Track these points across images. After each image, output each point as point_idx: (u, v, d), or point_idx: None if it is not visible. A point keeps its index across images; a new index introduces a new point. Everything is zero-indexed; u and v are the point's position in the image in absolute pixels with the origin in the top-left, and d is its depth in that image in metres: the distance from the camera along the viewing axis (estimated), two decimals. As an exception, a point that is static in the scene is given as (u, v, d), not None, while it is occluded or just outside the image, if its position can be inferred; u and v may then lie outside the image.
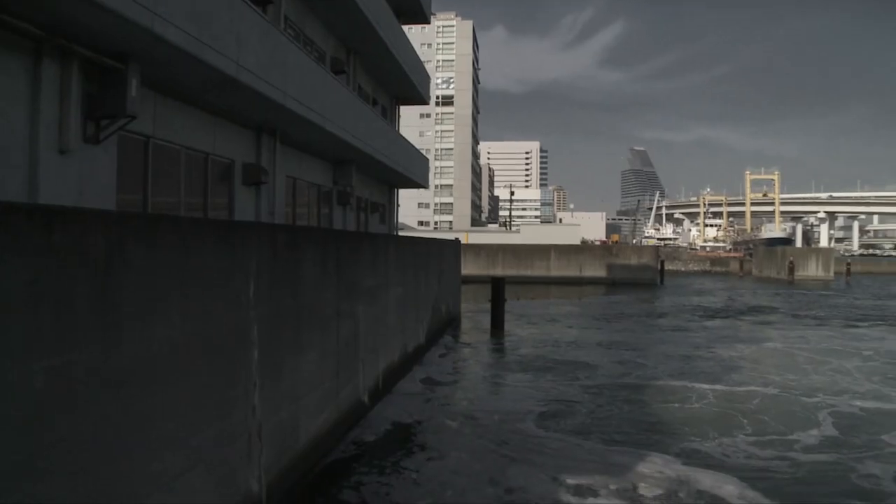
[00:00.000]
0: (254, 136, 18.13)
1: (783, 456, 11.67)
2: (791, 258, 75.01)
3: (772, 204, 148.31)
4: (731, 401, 15.95)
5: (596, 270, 64.03)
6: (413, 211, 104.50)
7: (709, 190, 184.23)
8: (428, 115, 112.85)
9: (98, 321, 4.74)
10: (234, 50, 12.74)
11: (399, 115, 37.53)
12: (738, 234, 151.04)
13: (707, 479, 10.33)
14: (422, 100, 37.51)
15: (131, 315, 5.12)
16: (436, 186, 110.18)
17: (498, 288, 26.74)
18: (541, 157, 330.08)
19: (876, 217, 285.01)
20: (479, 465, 10.79)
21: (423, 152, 40.47)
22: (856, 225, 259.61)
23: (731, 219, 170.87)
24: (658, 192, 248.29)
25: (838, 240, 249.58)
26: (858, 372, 20.21)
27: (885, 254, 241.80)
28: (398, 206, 38.14)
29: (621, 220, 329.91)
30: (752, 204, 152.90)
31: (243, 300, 7.16)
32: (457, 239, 33.16)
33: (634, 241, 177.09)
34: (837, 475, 10.86)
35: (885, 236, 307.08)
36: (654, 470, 10.74)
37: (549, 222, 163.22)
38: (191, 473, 6.02)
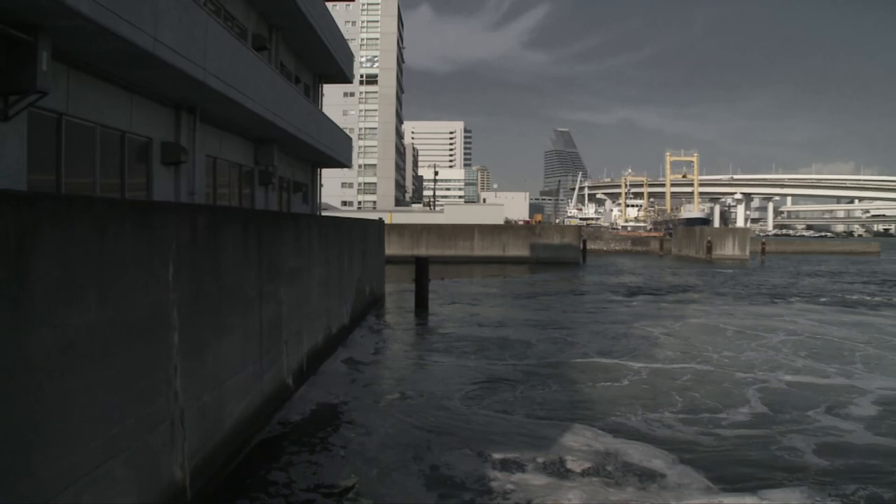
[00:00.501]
0: (173, 114, 17.65)
1: (710, 431, 11.93)
2: (709, 238, 76.85)
3: (691, 185, 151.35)
4: (660, 377, 16.29)
5: (519, 250, 64.54)
6: (337, 191, 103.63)
7: (630, 171, 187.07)
8: (352, 94, 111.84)
9: (10, 307, 4.56)
10: (151, 24, 12.34)
11: (322, 94, 37.09)
12: (658, 215, 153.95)
13: (636, 453, 10.50)
14: (345, 78, 37.10)
15: (45, 300, 4.94)
16: (359, 166, 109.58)
17: (422, 268, 26.76)
18: (465, 137, 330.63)
19: (789, 199, 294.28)
20: (405, 441, 10.86)
21: (347, 132, 40.12)
22: (770, 206, 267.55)
23: (651, 199, 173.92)
24: (581, 173, 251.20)
25: (754, 220, 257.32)
26: (785, 347, 20.88)
27: (798, 234, 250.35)
28: (321, 185, 37.73)
29: (544, 200, 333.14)
30: (672, 185, 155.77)
31: (162, 283, 6.98)
32: (380, 219, 33.02)
33: (557, 221, 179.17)
34: (762, 448, 11.16)
35: (799, 217, 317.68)
36: (583, 444, 10.87)
37: (473, 202, 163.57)
38: (110, 463, 5.85)
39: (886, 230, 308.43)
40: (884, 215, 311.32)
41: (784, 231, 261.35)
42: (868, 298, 37.88)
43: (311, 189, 34.62)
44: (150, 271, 6.74)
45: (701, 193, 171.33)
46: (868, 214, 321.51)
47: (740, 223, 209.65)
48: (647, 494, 9.10)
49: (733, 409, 13.55)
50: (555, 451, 10.49)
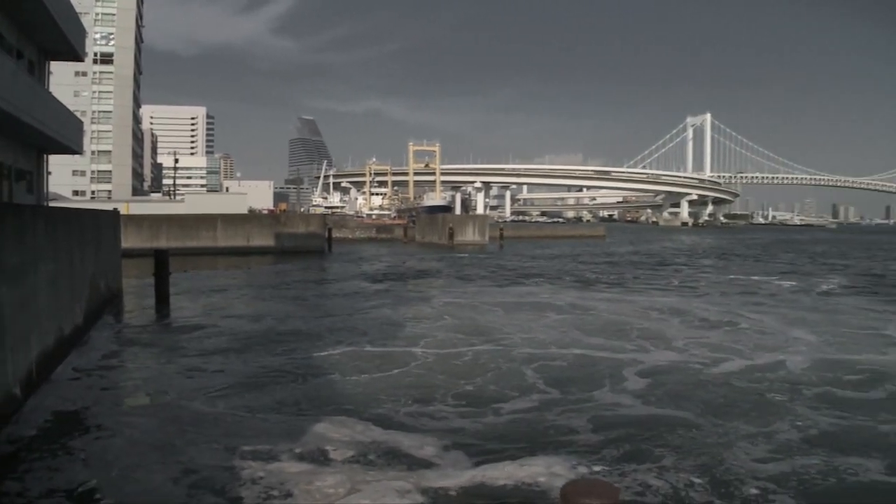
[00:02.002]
0: None
1: (487, 414, 12.35)
2: (451, 225, 79.44)
3: (433, 174, 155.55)
4: (439, 361, 16.69)
5: (264, 240, 63.46)
6: (67, 179, 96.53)
7: (375, 160, 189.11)
8: (84, 74, 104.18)
9: None
10: None
11: (50, 72, 34.39)
12: (402, 203, 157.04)
13: (407, 441, 10.61)
14: (76, 55, 34.54)
15: None
16: (93, 153, 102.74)
17: (162, 261, 25.64)
18: (207, 123, 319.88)
19: (525, 187, 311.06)
20: (150, 442, 10.46)
21: (79, 115, 37.61)
22: (508, 194, 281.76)
23: (395, 188, 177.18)
24: (326, 162, 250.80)
25: (493, 207, 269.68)
26: (563, 326, 22.21)
27: (533, 220, 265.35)
28: (49, 173, 35.17)
29: (289, 188, 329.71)
30: (416, 174, 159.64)
31: None
32: (115, 209, 31.23)
33: (302, 210, 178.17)
34: (537, 425, 11.74)
35: (534, 204, 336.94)
36: (347, 435, 10.83)
37: (216, 191, 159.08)
38: None
39: (611, 216, 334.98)
40: (607, 202, 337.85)
41: (521, 217, 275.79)
42: (604, 277, 41.71)
43: (36, 177, 32.09)
44: None
45: (443, 182, 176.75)
46: (595, 201, 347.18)
47: (480, 210, 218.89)
48: (410, 476, 9.26)
49: (513, 389, 14.12)
50: (314, 443, 10.41)
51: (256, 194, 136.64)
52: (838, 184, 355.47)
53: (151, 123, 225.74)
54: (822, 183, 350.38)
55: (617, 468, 9.87)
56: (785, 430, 11.93)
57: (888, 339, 21.32)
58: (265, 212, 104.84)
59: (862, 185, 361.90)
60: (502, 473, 9.40)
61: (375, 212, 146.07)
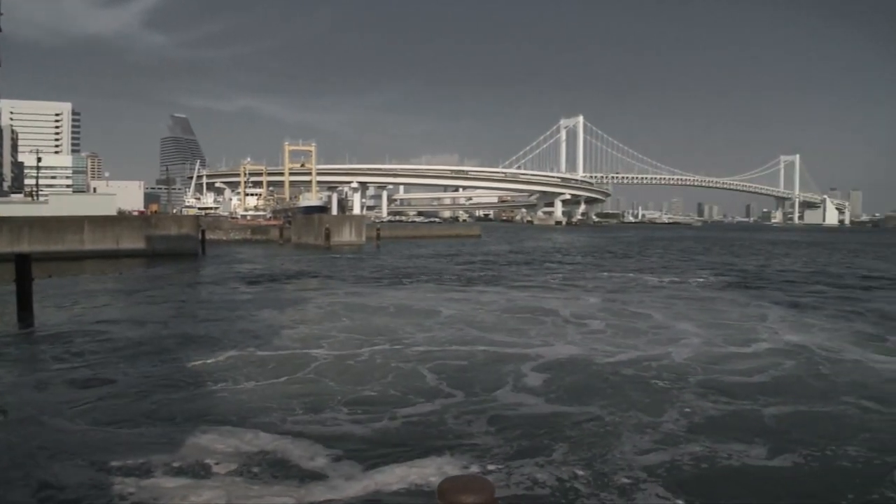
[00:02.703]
0: None
1: (380, 417, 12.33)
2: (327, 225, 78.98)
3: (309, 174, 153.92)
4: (332, 364, 16.62)
5: (134, 242, 61.42)
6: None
7: (250, 160, 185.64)
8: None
9: None
10: None
11: None
12: (277, 203, 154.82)
13: (297, 450, 10.42)
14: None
15: None
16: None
17: (23, 266, 24.45)
18: (73, 120, 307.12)
19: (402, 187, 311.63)
20: (4, 459, 9.98)
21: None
22: (385, 194, 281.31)
23: (271, 188, 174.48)
24: (199, 161, 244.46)
25: (370, 207, 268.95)
26: (454, 324, 22.57)
27: (410, 220, 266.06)
28: None
29: (161, 189, 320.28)
30: (291, 174, 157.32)
31: None
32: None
33: (175, 211, 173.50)
34: (429, 429, 11.77)
35: (411, 204, 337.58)
36: (232, 445, 10.53)
37: (83, 192, 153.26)
38: None
39: (486, 215, 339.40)
40: (483, 202, 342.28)
41: (397, 217, 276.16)
42: (484, 275, 42.74)
43: None
44: None
45: (320, 182, 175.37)
46: (471, 201, 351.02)
47: (357, 210, 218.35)
48: (296, 489, 9.12)
49: (408, 390, 14.23)
50: (195, 455, 10.06)
51: (126, 195, 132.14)
52: (703, 184, 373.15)
53: (11, 119, 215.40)
54: (688, 183, 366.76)
55: (506, 464, 10.12)
56: (673, 419, 12.62)
57: (764, 329, 23.19)
58: (135, 213, 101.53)
59: (725, 186, 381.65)
60: (392, 477, 9.46)
61: (250, 213, 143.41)
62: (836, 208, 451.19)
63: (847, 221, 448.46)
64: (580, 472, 9.90)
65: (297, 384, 14.81)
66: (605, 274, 46.05)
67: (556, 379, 15.55)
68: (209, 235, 76.01)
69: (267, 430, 11.30)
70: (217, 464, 9.80)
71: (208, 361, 16.98)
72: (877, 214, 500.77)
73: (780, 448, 11.17)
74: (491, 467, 9.99)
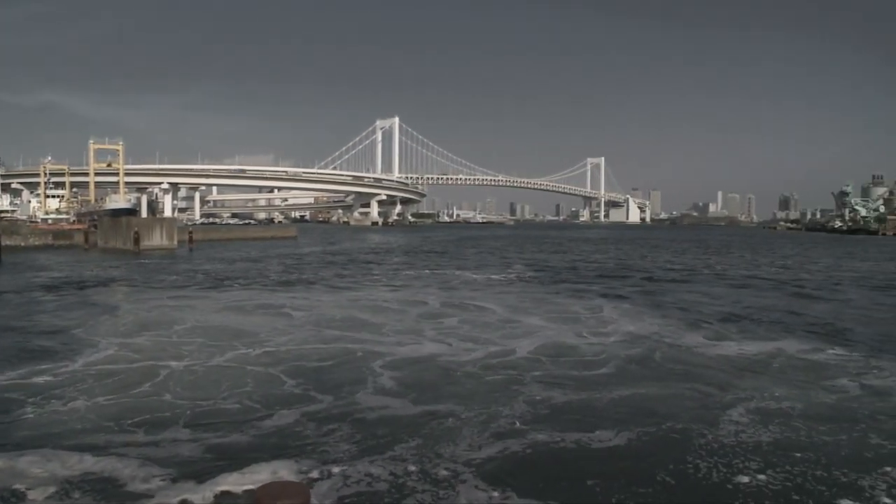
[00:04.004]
0: None
1: (221, 426, 12.25)
2: (136, 229, 76.39)
3: (117, 174, 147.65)
4: (172, 375, 16.22)
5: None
6: None
7: (51, 158, 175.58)
8: None
9: None
10: None
11: None
12: (82, 206, 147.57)
13: (127, 470, 10.04)
14: None
15: None
16: None
17: None
18: None
19: (215, 188, 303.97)
20: None
21: None
22: (197, 195, 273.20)
23: (75, 189, 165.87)
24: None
25: (182, 209, 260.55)
26: (294, 325, 22.00)
27: (224, 221, 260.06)
28: None
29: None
30: (97, 174, 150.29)
31: None
32: None
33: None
34: (271, 435, 11.81)
35: (224, 206, 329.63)
36: (50, 469, 10.06)
37: None
38: None
39: (302, 216, 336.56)
40: (299, 203, 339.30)
41: (211, 220, 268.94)
42: (305, 276, 43.65)
43: None
44: None
45: (128, 183, 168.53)
46: (286, 202, 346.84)
47: (168, 213, 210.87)
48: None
49: (255, 396, 14.30)
50: (5, 482, 9.48)
51: None
52: (515, 184, 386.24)
53: None
54: (501, 184, 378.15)
55: (343, 466, 10.34)
56: (511, 411, 13.42)
57: (594, 319, 25.68)
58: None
59: (536, 186, 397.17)
60: (220, 489, 9.37)
61: (52, 216, 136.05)
62: (639, 207, 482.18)
63: (648, 219, 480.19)
64: (412, 469, 10.26)
65: (131, 399, 14.16)
66: (427, 272, 47.64)
67: (407, 375, 16.32)
68: (5, 241, 71.81)
69: (93, 452, 10.70)
70: (32, 489, 9.27)
71: (21, 381, 15.71)
72: (674, 213, 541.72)
73: (622, 429, 12.36)
74: (331, 470, 10.13)
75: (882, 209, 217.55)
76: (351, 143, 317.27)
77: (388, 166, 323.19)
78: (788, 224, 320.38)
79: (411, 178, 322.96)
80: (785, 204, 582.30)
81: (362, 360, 17.93)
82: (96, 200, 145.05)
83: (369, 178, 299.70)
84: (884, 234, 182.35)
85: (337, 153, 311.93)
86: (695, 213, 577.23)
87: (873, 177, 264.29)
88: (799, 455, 11.11)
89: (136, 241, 74.14)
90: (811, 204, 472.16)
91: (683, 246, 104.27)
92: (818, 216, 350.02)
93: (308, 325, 23.85)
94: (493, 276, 44.24)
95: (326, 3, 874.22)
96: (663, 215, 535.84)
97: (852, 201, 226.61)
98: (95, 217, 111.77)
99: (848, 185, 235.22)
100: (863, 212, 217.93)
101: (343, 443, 11.46)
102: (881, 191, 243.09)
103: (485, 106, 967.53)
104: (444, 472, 10.20)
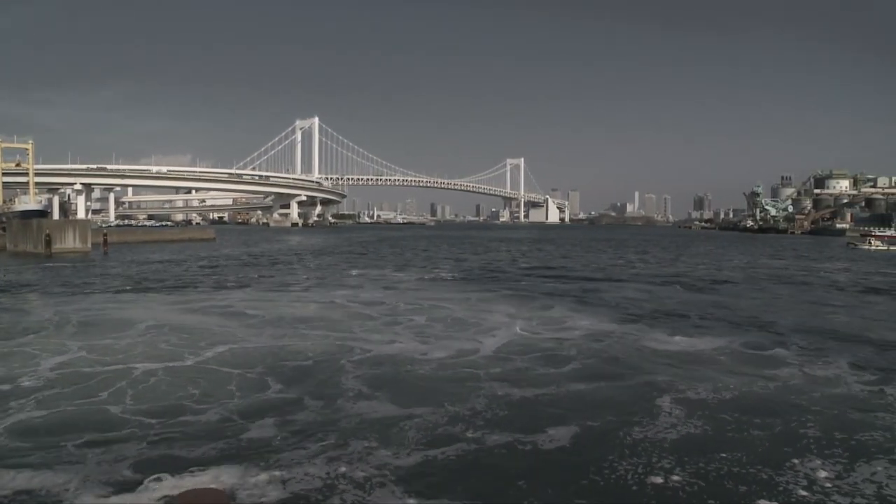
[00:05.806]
0: None
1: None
2: (48, 231, 74.56)
3: (26, 174, 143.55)
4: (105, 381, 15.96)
5: None
6: None
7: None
8: None
9: None
10: None
11: None
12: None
13: (64, 482, 9.80)
14: None
15: None
16: None
17: None
18: None
19: (130, 189, 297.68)
20: None
21: None
22: (112, 196, 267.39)
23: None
24: None
25: (96, 211, 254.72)
26: (234, 328, 22.76)
27: (140, 223, 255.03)
28: None
29: None
30: (5, 174, 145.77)
31: None
32: None
33: None
34: (219, 439, 11.75)
35: (140, 207, 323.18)
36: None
37: None
38: None
39: (221, 218, 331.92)
40: (217, 205, 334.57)
41: (127, 221, 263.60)
42: (229, 279, 43.28)
43: None
44: None
45: (39, 184, 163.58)
46: (204, 204, 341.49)
47: (81, 214, 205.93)
48: None
49: (194, 397, 14.31)
50: None
51: None
52: (435, 185, 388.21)
53: None
54: (421, 184, 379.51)
55: (285, 470, 10.29)
56: (471, 409, 13.81)
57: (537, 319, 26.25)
58: None
59: (456, 187, 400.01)
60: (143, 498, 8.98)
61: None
62: (558, 207, 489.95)
63: (567, 219, 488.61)
64: (343, 470, 10.24)
65: (58, 411, 13.62)
66: (355, 271, 48.43)
67: (373, 375, 16.64)
68: None
69: (32, 467, 10.47)
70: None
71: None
72: (592, 213, 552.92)
73: (562, 426, 12.74)
74: (259, 474, 10.00)
75: (790, 209, 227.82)
76: (270, 144, 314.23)
77: (308, 167, 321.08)
78: (703, 224, 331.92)
79: (331, 178, 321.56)
80: (699, 204, 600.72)
81: (294, 360, 18.29)
82: (5, 202, 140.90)
83: (289, 178, 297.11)
84: (792, 233, 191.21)
85: (256, 153, 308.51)
86: (613, 213, 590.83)
87: (782, 178, 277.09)
88: (721, 452, 11.56)
89: (48, 244, 72.33)
90: (724, 204, 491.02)
91: (601, 245, 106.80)
92: (731, 216, 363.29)
93: (247, 327, 24.00)
94: (425, 277, 44.98)
95: (246, 3, 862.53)
96: (582, 215, 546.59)
97: (763, 201, 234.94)
98: (4, 219, 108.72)
99: (759, 186, 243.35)
100: (773, 211, 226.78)
101: (279, 445, 11.47)
102: (789, 191, 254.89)
103: (406, 107, 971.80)
104: (377, 475, 10.22)
